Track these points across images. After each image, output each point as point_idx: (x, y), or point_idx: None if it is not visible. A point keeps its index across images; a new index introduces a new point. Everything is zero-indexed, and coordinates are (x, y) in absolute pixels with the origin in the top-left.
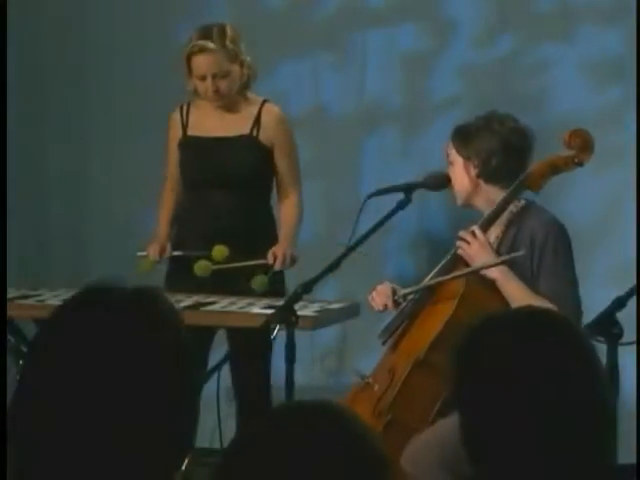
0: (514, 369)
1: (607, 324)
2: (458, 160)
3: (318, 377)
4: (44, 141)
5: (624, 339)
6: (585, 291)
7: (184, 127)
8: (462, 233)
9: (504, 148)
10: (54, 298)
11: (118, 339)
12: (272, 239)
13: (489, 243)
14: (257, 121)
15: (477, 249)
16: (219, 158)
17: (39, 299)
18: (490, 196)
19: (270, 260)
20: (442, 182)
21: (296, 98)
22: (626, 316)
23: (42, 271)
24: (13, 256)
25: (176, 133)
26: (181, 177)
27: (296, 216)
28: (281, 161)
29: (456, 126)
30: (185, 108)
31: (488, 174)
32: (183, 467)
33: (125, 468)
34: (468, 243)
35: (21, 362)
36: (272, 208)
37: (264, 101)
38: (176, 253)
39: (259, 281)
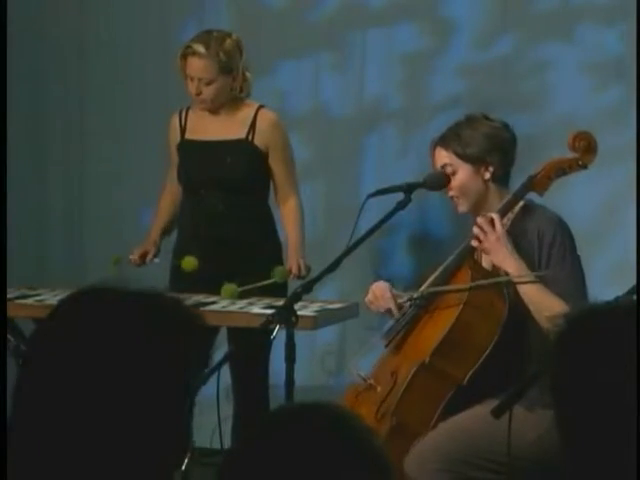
0: (617, 362)
1: None
2: (463, 166)
3: (318, 377)
4: (44, 142)
5: None
6: None
7: (182, 131)
8: (480, 220)
9: (510, 146)
10: (53, 298)
11: (118, 339)
12: (271, 240)
13: (506, 237)
14: (252, 125)
15: (493, 242)
16: (214, 161)
17: (39, 299)
18: (495, 198)
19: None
20: (442, 182)
21: (296, 98)
22: None
23: (41, 271)
24: (13, 256)
25: (175, 137)
26: (179, 180)
27: (299, 221)
28: (277, 165)
29: (446, 133)
30: (184, 112)
31: (500, 175)
32: (183, 467)
33: (125, 468)
34: (485, 233)
35: (21, 362)
36: (270, 209)
37: (260, 106)
38: (156, 260)
39: (280, 271)
